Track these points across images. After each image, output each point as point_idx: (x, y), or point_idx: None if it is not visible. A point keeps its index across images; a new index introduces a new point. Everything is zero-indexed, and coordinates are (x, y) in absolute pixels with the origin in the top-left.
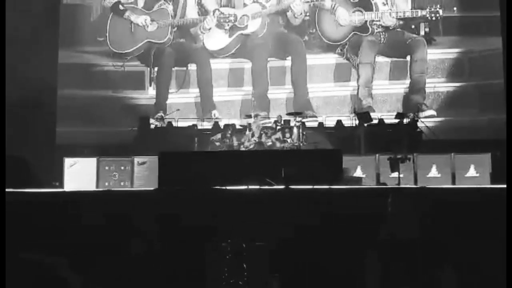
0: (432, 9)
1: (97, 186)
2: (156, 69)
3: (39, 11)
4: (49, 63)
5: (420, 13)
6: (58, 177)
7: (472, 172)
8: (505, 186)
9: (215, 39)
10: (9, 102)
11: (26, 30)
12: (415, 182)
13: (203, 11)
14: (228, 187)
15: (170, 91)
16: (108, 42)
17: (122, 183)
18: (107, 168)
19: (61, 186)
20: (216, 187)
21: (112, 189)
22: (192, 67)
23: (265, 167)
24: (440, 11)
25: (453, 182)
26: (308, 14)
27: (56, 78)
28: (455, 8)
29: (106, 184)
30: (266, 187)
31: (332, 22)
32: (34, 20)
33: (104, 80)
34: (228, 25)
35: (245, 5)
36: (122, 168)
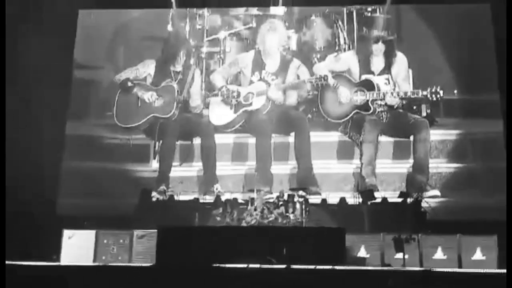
0: (433, 90)
1: (94, 260)
2: (160, 142)
3: (51, 83)
4: (56, 134)
5: (421, 93)
6: (56, 249)
7: (478, 255)
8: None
9: (220, 114)
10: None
11: (35, 102)
12: (421, 264)
13: (209, 88)
14: (227, 265)
15: (173, 164)
16: (115, 117)
17: (120, 257)
18: (105, 241)
19: (58, 259)
20: (215, 264)
21: (109, 264)
22: (197, 140)
23: (266, 245)
24: (441, 92)
25: (460, 265)
26: (310, 93)
27: (61, 150)
28: (455, 91)
29: (103, 258)
30: (267, 266)
31: (335, 100)
32: (46, 92)
33: (109, 152)
34: (232, 101)
35: (251, 82)
36: (121, 241)
